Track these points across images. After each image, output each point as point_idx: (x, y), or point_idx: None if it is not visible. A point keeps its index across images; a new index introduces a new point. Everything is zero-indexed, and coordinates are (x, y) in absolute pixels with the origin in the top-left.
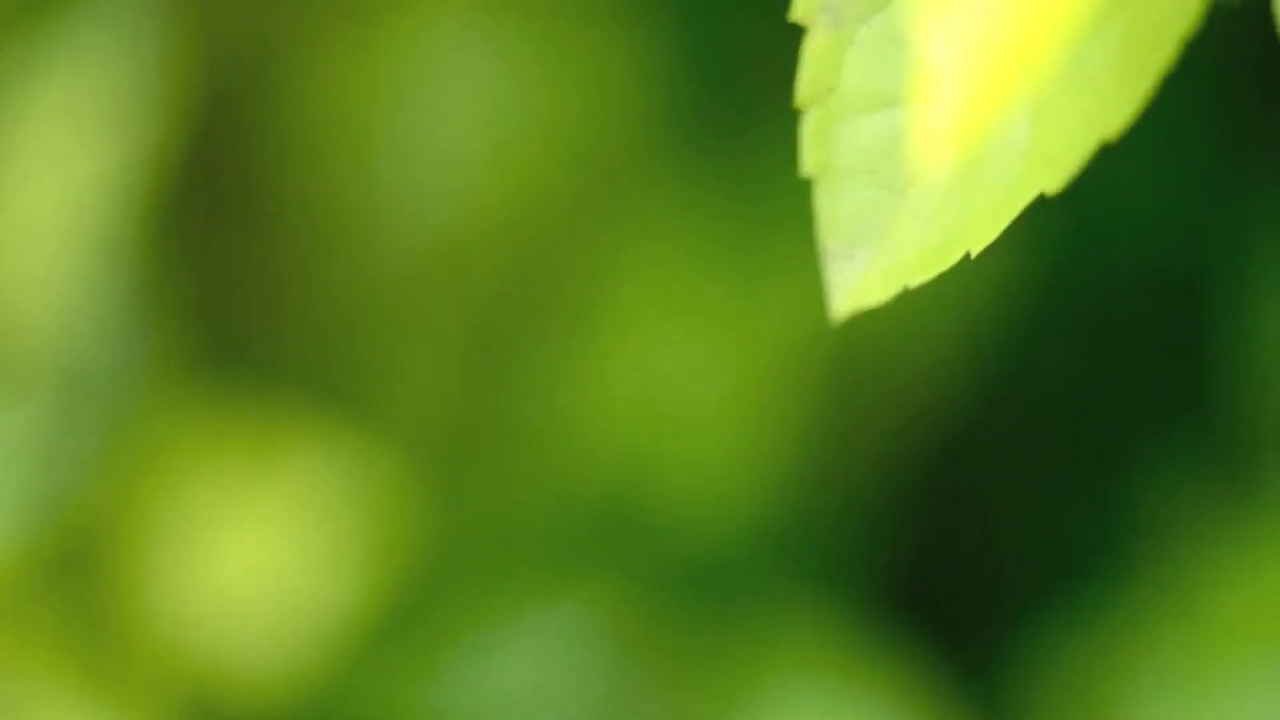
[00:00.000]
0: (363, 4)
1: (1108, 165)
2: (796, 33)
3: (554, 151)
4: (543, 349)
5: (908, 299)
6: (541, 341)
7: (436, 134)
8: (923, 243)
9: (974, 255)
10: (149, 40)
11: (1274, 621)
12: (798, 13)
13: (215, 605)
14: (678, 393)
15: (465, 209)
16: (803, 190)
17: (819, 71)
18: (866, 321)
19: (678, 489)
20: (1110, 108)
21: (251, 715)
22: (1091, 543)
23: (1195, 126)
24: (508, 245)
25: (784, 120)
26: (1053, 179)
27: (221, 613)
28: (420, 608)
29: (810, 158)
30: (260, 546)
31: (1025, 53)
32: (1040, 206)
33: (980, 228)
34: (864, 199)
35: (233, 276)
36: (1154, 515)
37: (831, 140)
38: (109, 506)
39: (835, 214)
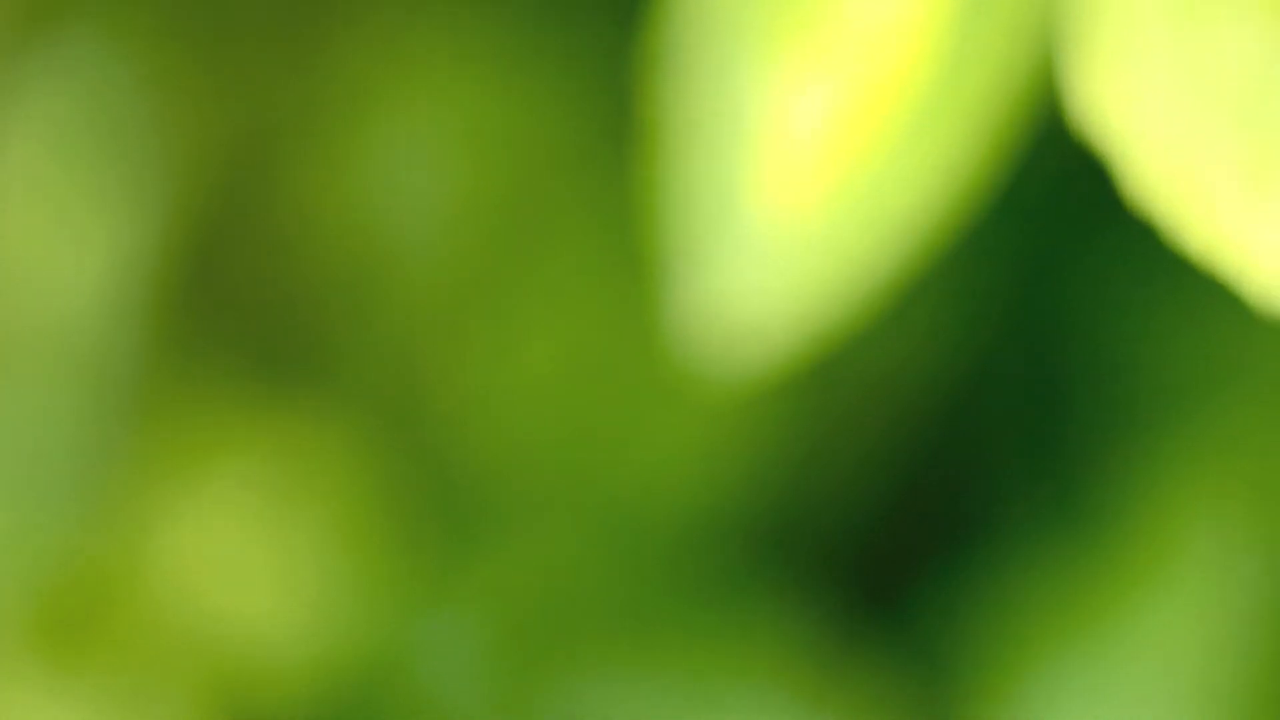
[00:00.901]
0: (344, 92)
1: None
2: None
3: (490, 189)
4: (504, 344)
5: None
6: (503, 337)
7: (394, 177)
8: (756, 279)
9: (815, 298)
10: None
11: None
12: (653, 52)
13: (221, 592)
14: (633, 380)
15: (424, 233)
16: None
17: (669, 115)
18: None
19: (633, 476)
20: (945, 171)
21: (263, 699)
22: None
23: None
24: (465, 253)
25: None
26: (869, 247)
27: (229, 598)
28: (383, 587)
29: (653, 187)
30: (261, 538)
31: (870, 115)
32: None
33: (819, 272)
34: (700, 231)
35: (230, 282)
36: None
37: (674, 177)
38: (119, 500)
39: (674, 239)
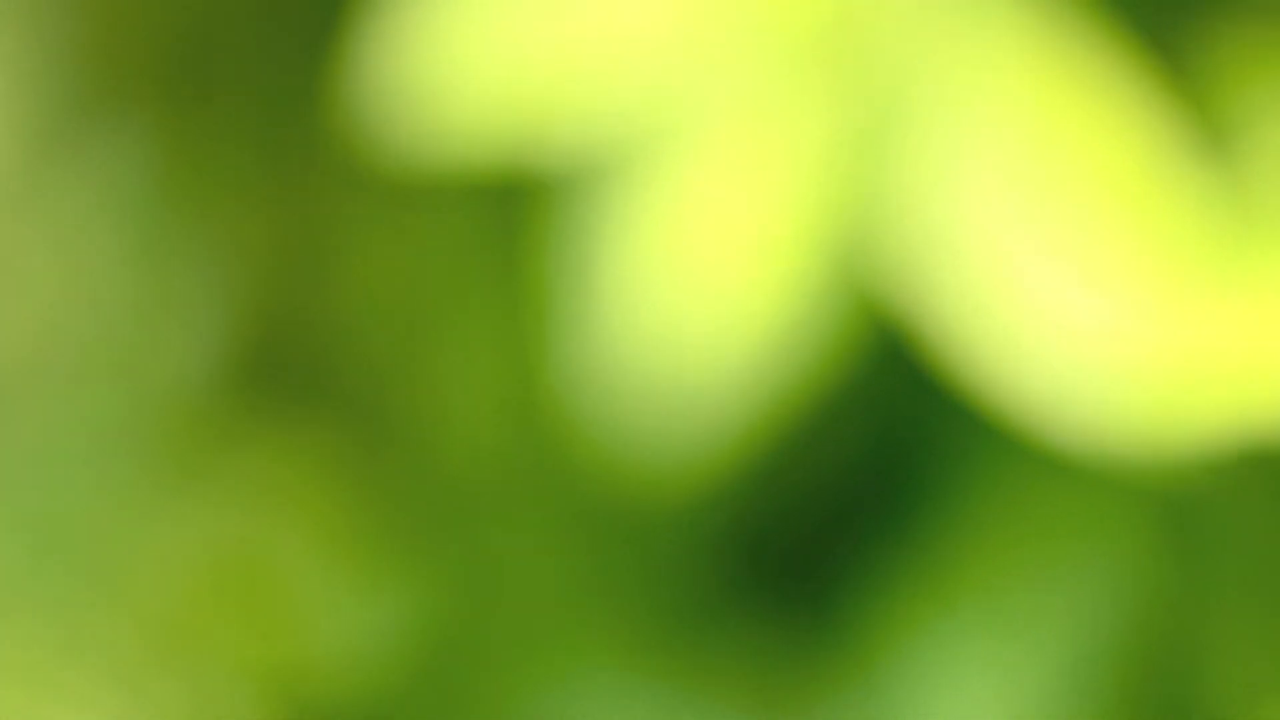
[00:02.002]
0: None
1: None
2: None
3: (432, 280)
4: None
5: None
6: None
7: (372, 277)
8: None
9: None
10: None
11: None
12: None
13: (260, 588)
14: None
15: (394, 308)
16: None
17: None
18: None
19: (595, 488)
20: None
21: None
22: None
23: None
24: (420, 316)
25: None
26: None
27: (269, 594)
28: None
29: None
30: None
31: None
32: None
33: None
34: (585, 303)
35: (258, 342)
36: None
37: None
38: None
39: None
